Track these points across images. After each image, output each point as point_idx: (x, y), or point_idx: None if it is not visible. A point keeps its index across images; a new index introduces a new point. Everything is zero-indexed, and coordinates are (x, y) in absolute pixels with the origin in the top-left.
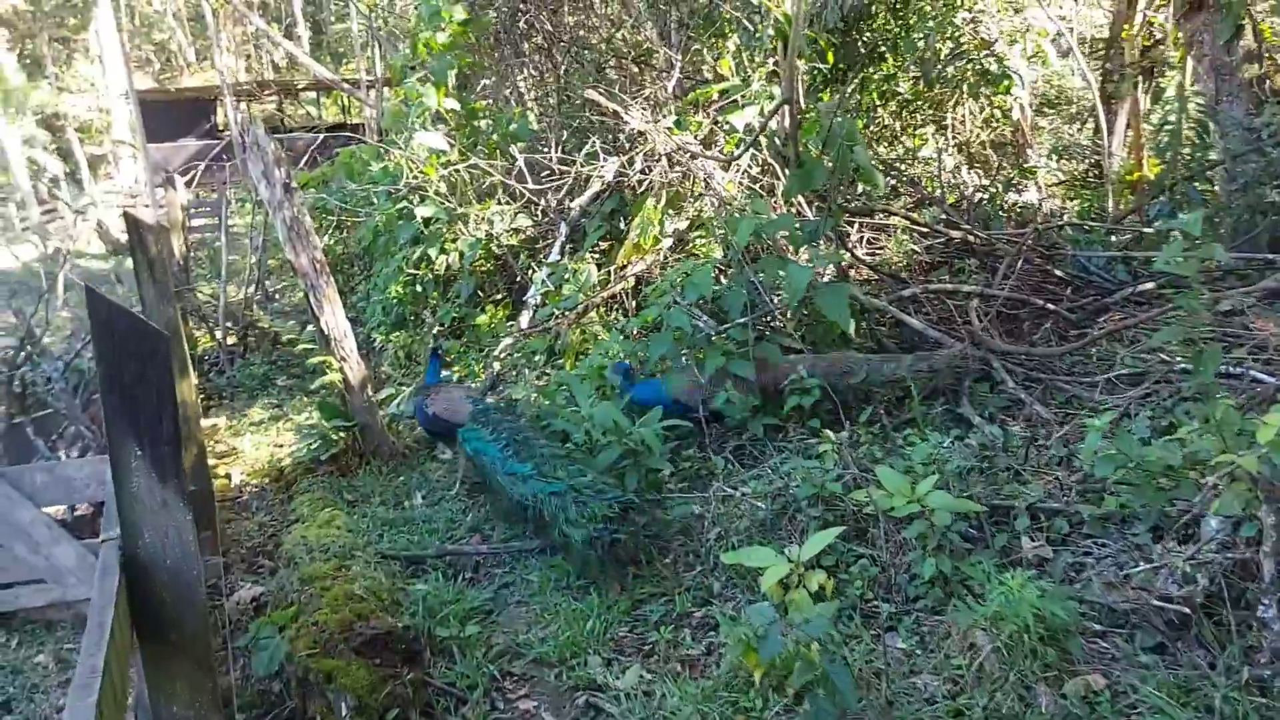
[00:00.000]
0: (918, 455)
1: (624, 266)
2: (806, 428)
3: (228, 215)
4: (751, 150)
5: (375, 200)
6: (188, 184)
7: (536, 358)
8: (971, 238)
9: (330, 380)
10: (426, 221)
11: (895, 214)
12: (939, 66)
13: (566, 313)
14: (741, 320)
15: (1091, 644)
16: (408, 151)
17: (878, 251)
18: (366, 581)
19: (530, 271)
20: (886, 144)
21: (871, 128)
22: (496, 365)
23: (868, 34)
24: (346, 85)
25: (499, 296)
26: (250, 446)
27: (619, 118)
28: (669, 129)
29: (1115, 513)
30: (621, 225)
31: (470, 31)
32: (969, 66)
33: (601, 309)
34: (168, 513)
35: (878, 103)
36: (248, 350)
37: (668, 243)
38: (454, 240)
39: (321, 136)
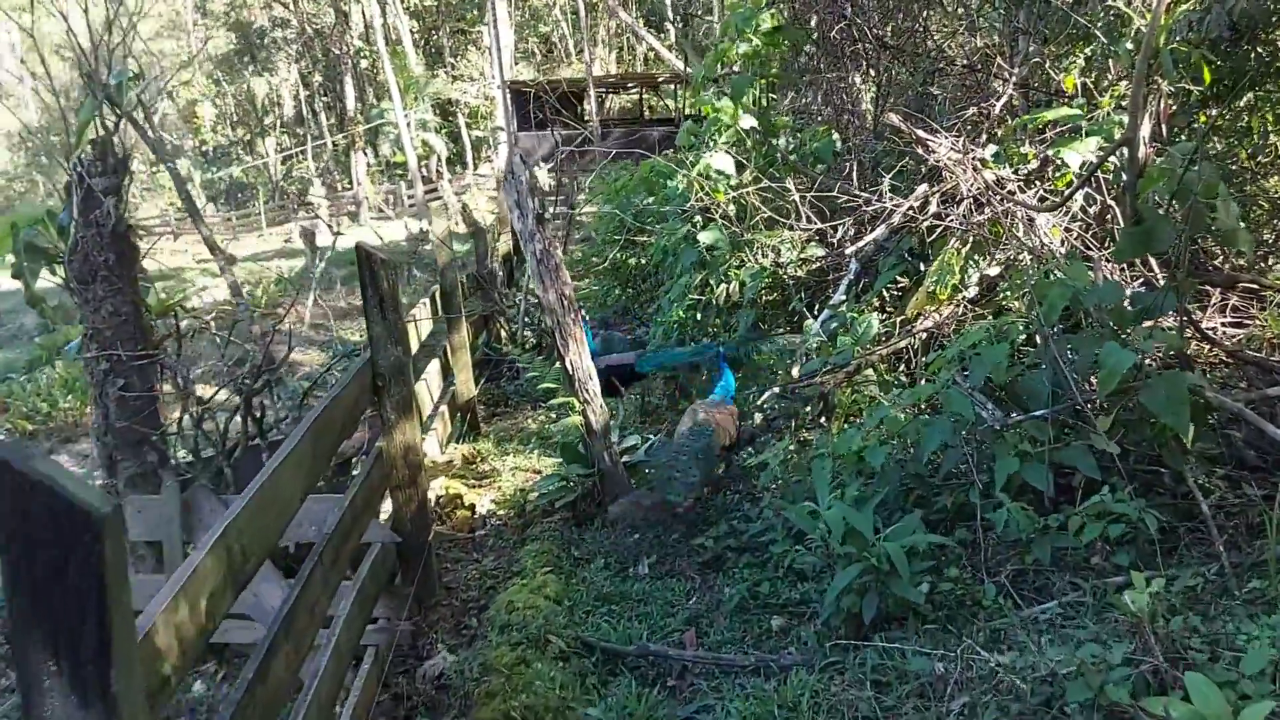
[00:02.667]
0: (1256, 660)
1: (915, 318)
2: (1110, 563)
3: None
4: (1086, 190)
5: (667, 218)
6: (550, 171)
7: (806, 410)
8: None
9: (572, 423)
10: (709, 247)
11: (1269, 286)
12: None
13: (836, 369)
14: (1040, 412)
15: None
16: (694, 172)
17: (1246, 322)
18: (537, 692)
19: (806, 314)
20: None
21: (1259, 158)
22: (758, 417)
23: (1260, 45)
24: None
25: (781, 330)
26: (509, 471)
27: (924, 146)
28: (982, 161)
29: None
30: (923, 267)
31: (780, 42)
32: None
33: (883, 366)
34: None
35: (1272, 128)
36: (540, 354)
37: (972, 292)
38: (739, 267)
39: (668, 130)
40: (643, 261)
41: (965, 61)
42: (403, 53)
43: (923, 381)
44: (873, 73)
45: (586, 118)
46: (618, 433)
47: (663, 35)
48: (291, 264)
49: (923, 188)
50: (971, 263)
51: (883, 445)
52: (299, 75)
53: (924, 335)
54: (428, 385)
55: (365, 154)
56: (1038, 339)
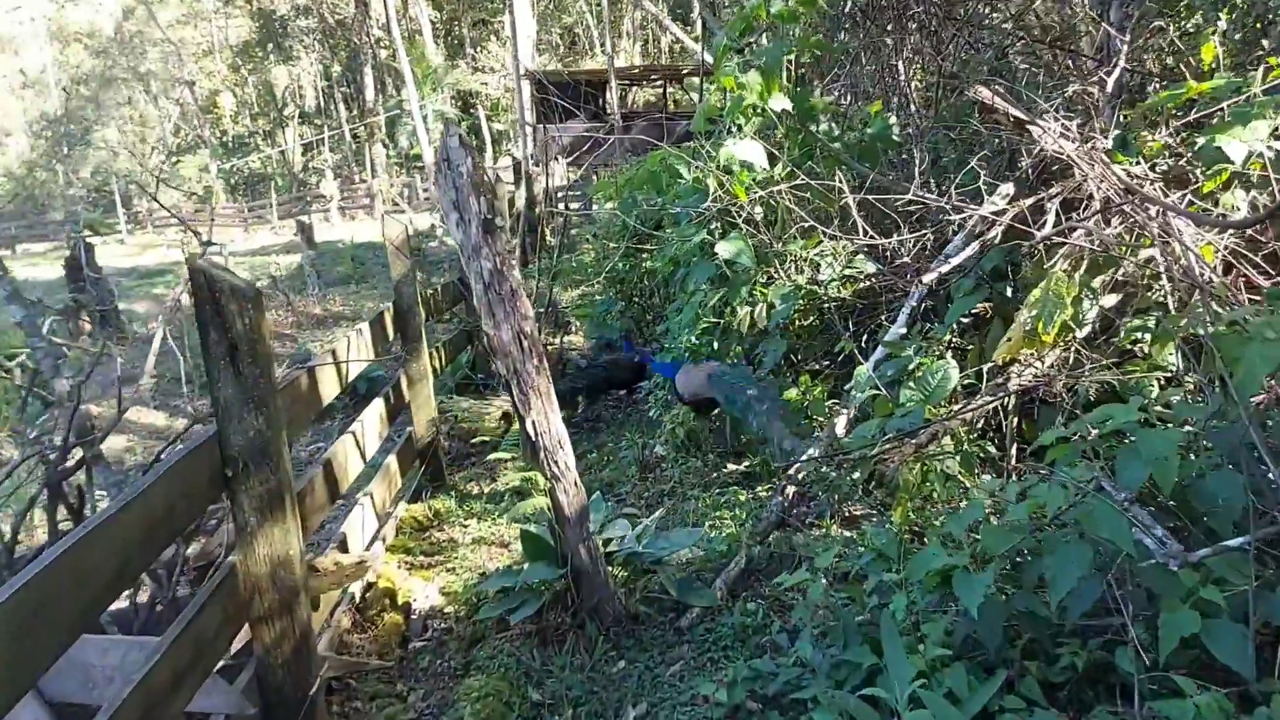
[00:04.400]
0: None
1: (1006, 366)
2: None
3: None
4: (1244, 193)
5: (679, 221)
6: (571, 164)
7: (854, 477)
8: None
9: (536, 506)
10: (729, 261)
11: None
12: None
13: (901, 438)
14: (1236, 541)
15: None
16: (712, 164)
17: None
18: None
19: (854, 349)
20: None
21: None
22: (789, 489)
23: None
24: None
25: (819, 366)
26: (470, 542)
27: (1023, 130)
28: (1108, 153)
29: None
30: (1009, 293)
31: (816, 1)
32: None
33: (964, 431)
34: None
35: None
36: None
37: (1084, 330)
38: (766, 285)
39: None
40: (654, 267)
41: (1046, 32)
42: (421, 43)
43: (1010, 474)
44: (928, 43)
45: (609, 111)
46: (602, 514)
47: (689, 27)
48: (291, 259)
49: (1005, 188)
50: (1089, 292)
51: (983, 570)
52: (320, 66)
53: (1020, 390)
54: (359, 437)
55: (385, 146)
56: (1213, 421)
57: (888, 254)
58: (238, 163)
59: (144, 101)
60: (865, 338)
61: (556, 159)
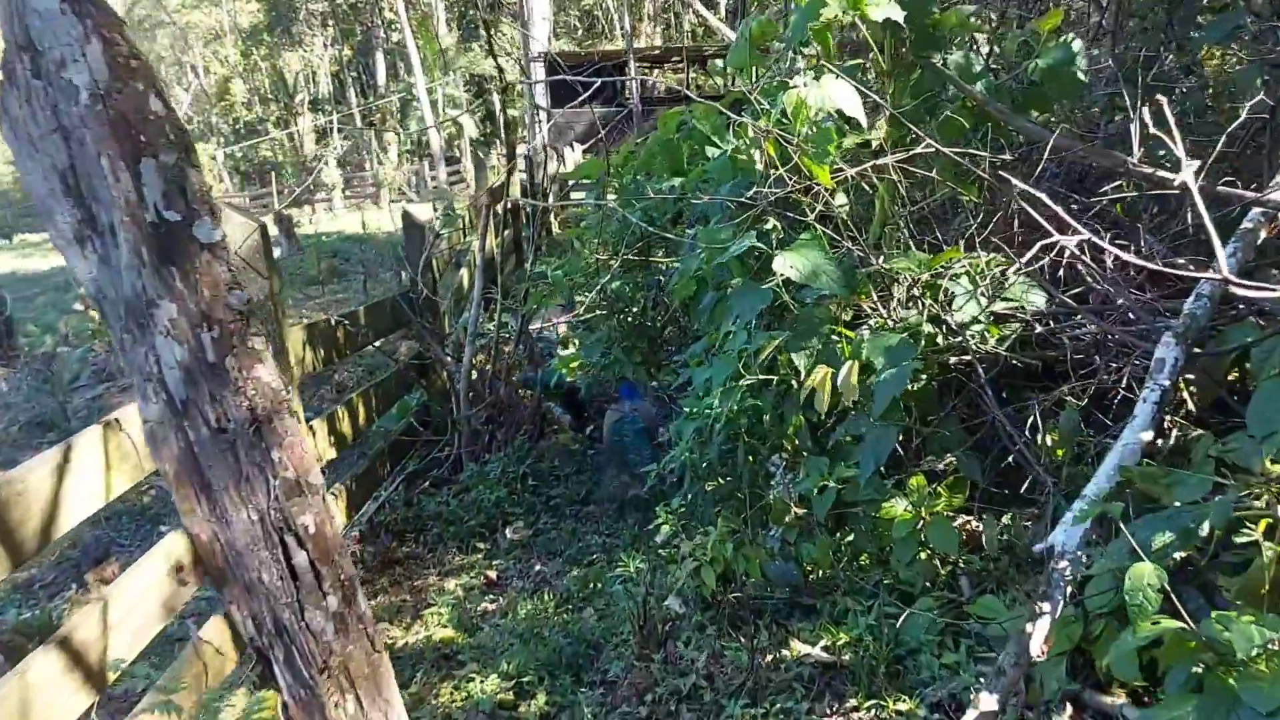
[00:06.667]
0: None
1: None
2: None
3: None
4: None
5: (707, 217)
6: (586, 151)
7: None
8: None
9: None
10: (792, 284)
11: None
12: None
13: None
14: None
15: None
16: (769, 120)
17: None
18: None
19: (1026, 426)
20: None
21: None
22: None
23: None
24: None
25: (944, 464)
26: None
27: None
28: None
29: None
30: None
31: None
32: None
33: None
34: None
35: None
36: (494, 440)
37: None
38: (855, 326)
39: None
40: (669, 284)
41: None
42: (433, 25)
43: None
44: None
45: (628, 95)
46: None
47: (713, 7)
48: (276, 254)
49: None
50: None
51: None
52: (332, 51)
53: None
54: (85, 647)
55: (396, 132)
56: None
57: (1058, 275)
58: (246, 148)
59: None
60: (1029, 423)
61: (571, 145)
